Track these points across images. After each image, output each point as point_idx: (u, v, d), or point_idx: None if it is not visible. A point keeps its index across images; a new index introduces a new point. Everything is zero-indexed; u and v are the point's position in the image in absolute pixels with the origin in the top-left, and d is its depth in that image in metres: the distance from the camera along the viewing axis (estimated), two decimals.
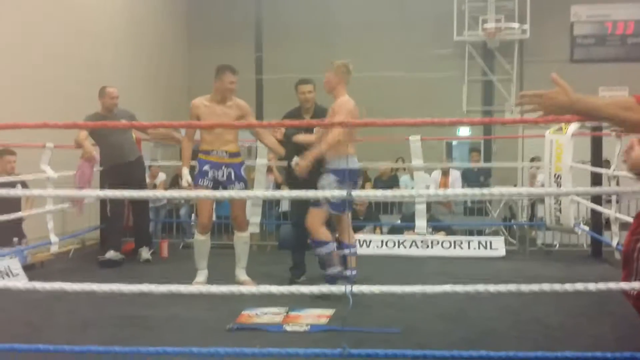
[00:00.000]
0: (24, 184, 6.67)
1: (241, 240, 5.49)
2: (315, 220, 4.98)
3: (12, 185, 6.31)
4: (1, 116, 7.71)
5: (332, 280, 4.85)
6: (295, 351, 2.92)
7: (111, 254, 6.48)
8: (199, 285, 4.71)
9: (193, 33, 15.04)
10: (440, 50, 14.08)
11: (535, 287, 2.86)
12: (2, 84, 8.03)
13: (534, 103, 2.34)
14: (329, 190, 4.45)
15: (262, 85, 14.66)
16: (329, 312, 4.39)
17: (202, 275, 5.35)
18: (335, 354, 2.83)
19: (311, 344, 3.69)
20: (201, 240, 5.40)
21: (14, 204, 6.36)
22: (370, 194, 5.87)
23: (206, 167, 5.30)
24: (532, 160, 10.15)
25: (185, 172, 5.36)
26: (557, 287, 2.84)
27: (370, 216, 8.48)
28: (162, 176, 9.93)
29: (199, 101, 5.35)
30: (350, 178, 4.92)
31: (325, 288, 3.44)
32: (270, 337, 3.94)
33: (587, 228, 7.31)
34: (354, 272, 5.03)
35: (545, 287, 2.86)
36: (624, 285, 2.59)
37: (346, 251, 5.04)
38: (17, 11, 8.47)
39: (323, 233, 4.98)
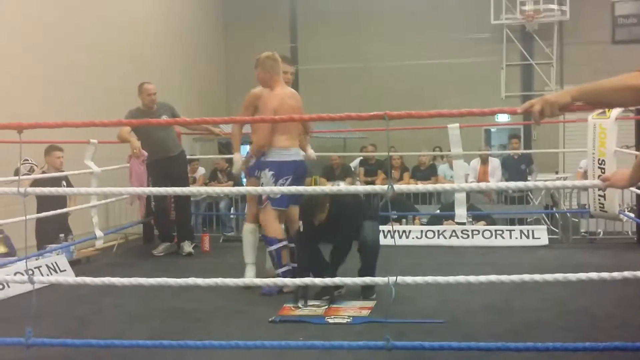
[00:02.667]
0: (67, 180, 6.84)
1: None
2: (266, 218, 4.98)
3: (57, 180, 6.48)
4: (47, 111, 7.91)
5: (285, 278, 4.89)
6: (339, 344, 2.94)
7: (163, 247, 6.83)
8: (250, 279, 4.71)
9: (229, 25, 15.16)
10: (477, 34, 13.89)
11: (582, 276, 2.81)
12: (46, 80, 8.24)
13: (538, 113, 2.33)
14: (269, 187, 4.54)
15: (298, 76, 14.69)
16: (371, 304, 4.40)
17: (251, 270, 5.18)
18: (378, 346, 2.82)
19: (354, 336, 3.71)
20: (252, 229, 5.23)
21: (60, 200, 6.53)
22: (411, 187, 5.81)
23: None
24: None
25: (238, 157, 5.29)
26: (606, 275, 2.78)
27: (408, 206, 8.40)
28: (201, 170, 10.03)
29: (259, 91, 5.18)
30: (284, 172, 4.87)
31: (368, 279, 3.46)
32: (312, 329, 3.96)
33: (632, 215, 7.14)
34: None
35: (593, 275, 2.80)
36: None
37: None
38: (57, 7, 8.66)
39: (273, 230, 4.94)
